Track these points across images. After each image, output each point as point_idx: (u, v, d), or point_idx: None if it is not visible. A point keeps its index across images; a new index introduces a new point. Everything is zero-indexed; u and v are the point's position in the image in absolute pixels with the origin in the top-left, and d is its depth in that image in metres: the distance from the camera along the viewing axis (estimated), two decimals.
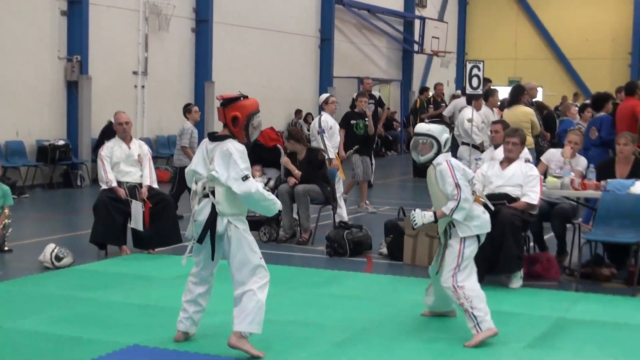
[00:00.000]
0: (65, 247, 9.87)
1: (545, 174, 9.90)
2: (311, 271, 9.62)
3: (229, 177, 6.25)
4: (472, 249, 6.85)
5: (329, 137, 13.00)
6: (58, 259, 9.57)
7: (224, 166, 6.28)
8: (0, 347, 6.50)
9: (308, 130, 19.40)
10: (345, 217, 12.12)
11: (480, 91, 12.00)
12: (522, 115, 12.87)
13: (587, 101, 17.50)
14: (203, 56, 21.80)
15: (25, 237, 11.37)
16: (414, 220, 7.06)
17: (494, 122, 11.03)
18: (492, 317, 7.51)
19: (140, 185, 10.46)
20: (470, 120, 13.15)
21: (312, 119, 24.39)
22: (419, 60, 32.16)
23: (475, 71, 11.91)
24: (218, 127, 23.06)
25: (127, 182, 10.42)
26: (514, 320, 7.46)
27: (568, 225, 9.99)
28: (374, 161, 15.72)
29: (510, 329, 7.11)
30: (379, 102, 18.20)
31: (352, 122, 14.22)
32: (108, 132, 10.61)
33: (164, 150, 20.64)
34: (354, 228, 10.78)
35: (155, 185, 10.63)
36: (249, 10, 23.35)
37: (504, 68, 33.22)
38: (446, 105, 21.22)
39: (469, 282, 6.76)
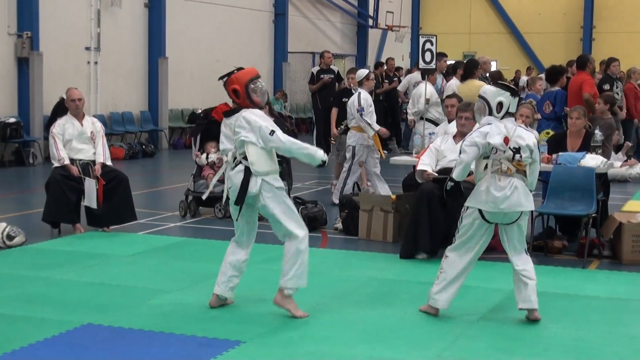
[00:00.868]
0: (17, 226, 9.75)
1: None
2: (267, 247, 9.60)
3: (258, 138, 6.58)
4: (468, 220, 6.73)
5: (369, 115, 12.01)
6: (10, 238, 9.44)
7: (249, 131, 6.59)
8: None
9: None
10: (388, 191, 11.78)
11: (433, 65, 12.01)
12: (476, 89, 12.77)
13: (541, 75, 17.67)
14: (156, 31, 21.60)
15: None
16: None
17: (449, 97, 11.07)
18: None
19: (94, 162, 10.36)
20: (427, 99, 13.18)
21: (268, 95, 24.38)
22: (373, 35, 32.15)
23: (428, 45, 11.91)
24: (174, 102, 22.91)
25: (80, 160, 10.31)
26: (468, 293, 7.51)
27: None
28: None
29: (464, 302, 7.17)
30: (337, 77, 18.22)
31: (345, 99, 13.16)
32: (60, 109, 10.43)
33: (117, 127, 20.49)
34: (309, 204, 10.79)
35: (109, 163, 10.53)
36: None
37: (459, 42, 33.33)
38: (399, 80, 21.30)
39: (452, 254, 6.84)
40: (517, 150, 6.59)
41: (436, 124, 12.96)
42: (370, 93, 12.16)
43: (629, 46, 31.02)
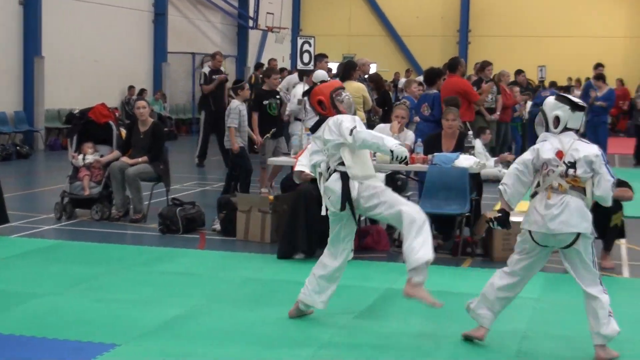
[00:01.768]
0: None
1: None
2: (144, 249, 9.53)
3: (346, 138, 6.44)
4: (520, 241, 6.21)
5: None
6: None
7: (339, 134, 6.50)
8: None
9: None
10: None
11: (311, 67, 12.07)
12: (354, 90, 13.03)
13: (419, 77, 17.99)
14: (32, 30, 21.04)
15: None
16: None
17: None
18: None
19: None
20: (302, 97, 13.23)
21: (147, 95, 24.10)
22: (253, 36, 32.16)
23: (306, 47, 11.94)
24: (51, 102, 22.18)
25: None
26: (344, 292, 7.59)
27: None
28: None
29: (341, 301, 7.26)
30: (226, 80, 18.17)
31: (265, 102, 13.16)
32: None
33: None
34: (186, 205, 10.73)
35: None
36: None
37: (339, 44, 33.62)
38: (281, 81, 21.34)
39: (501, 273, 6.36)
40: (571, 165, 5.97)
41: None
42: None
43: (503, 49, 31.89)
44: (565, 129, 6.09)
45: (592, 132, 17.67)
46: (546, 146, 6.07)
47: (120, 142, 11.61)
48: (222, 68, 18.60)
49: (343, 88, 6.85)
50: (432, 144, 9.92)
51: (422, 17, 34.06)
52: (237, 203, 10.17)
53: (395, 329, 6.60)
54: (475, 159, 9.50)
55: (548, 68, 25.26)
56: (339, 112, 6.69)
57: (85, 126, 11.63)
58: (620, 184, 8.14)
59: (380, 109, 14.83)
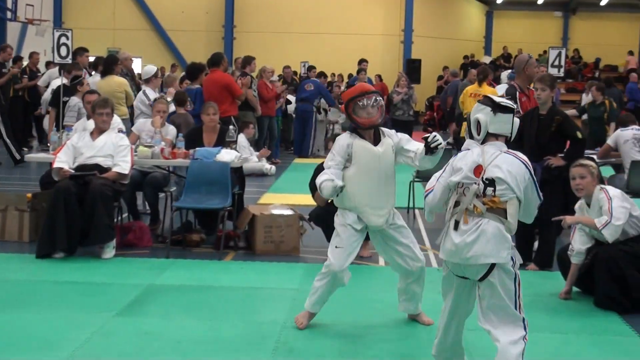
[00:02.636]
0: None
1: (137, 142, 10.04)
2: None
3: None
4: (444, 273, 5.31)
5: None
6: None
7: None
8: None
9: None
10: None
11: (69, 60, 11.77)
12: (117, 85, 12.83)
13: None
14: None
15: None
16: None
17: (88, 92, 10.94)
18: (85, 288, 7.56)
19: None
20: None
21: None
22: (13, 29, 30.89)
23: (63, 40, 11.66)
24: None
25: None
26: (105, 290, 7.50)
27: (161, 194, 10.24)
28: None
29: (101, 299, 7.16)
30: None
31: (66, 98, 12.43)
32: None
33: None
34: None
35: None
36: None
37: (103, 38, 32.93)
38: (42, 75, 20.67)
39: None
40: (490, 183, 4.97)
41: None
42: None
43: (269, 45, 32.33)
44: (490, 135, 5.13)
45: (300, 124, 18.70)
46: (465, 159, 5.12)
47: None
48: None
49: (361, 95, 6.49)
50: (193, 139, 9.92)
51: (188, 12, 33.94)
52: None
53: (157, 326, 6.54)
54: (236, 153, 9.60)
55: (312, 63, 25.81)
56: (355, 120, 6.48)
57: None
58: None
59: None
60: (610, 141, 11.21)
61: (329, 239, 9.13)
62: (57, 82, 12.96)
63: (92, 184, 8.72)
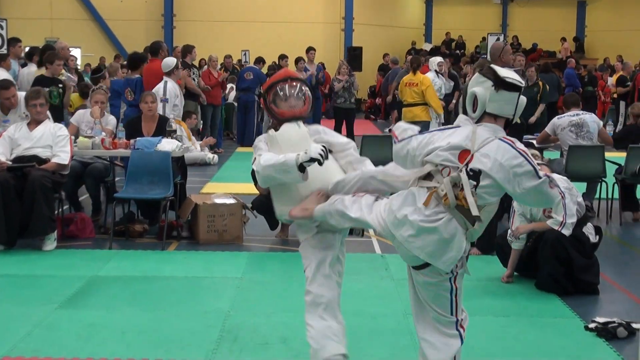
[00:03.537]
0: None
1: (77, 134, 9.94)
2: None
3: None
4: None
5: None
6: None
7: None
8: None
9: None
10: None
11: (5, 50, 11.57)
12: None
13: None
14: None
15: None
16: None
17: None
18: (25, 281, 7.47)
19: None
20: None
21: None
22: None
23: None
24: None
25: None
26: (47, 282, 7.42)
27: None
28: None
29: (43, 292, 7.09)
30: None
31: (45, 90, 10.80)
32: None
33: None
34: None
35: None
36: None
37: (40, 28, 32.39)
38: None
39: None
40: (474, 175, 4.15)
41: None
42: None
43: (207, 34, 32.14)
44: (487, 114, 4.30)
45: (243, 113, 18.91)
46: (452, 137, 4.26)
47: None
48: None
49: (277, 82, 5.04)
50: (133, 128, 9.85)
51: (126, 1, 33.56)
52: None
53: (101, 317, 6.49)
54: (177, 143, 9.55)
55: (252, 52, 25.72)
56: (274, 114, 5.02)
57: None
58: None
59: None
60: (548, 129, 11.38)
61: (271, 226, 9.24)
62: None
63: (30, 176, 8.60)
